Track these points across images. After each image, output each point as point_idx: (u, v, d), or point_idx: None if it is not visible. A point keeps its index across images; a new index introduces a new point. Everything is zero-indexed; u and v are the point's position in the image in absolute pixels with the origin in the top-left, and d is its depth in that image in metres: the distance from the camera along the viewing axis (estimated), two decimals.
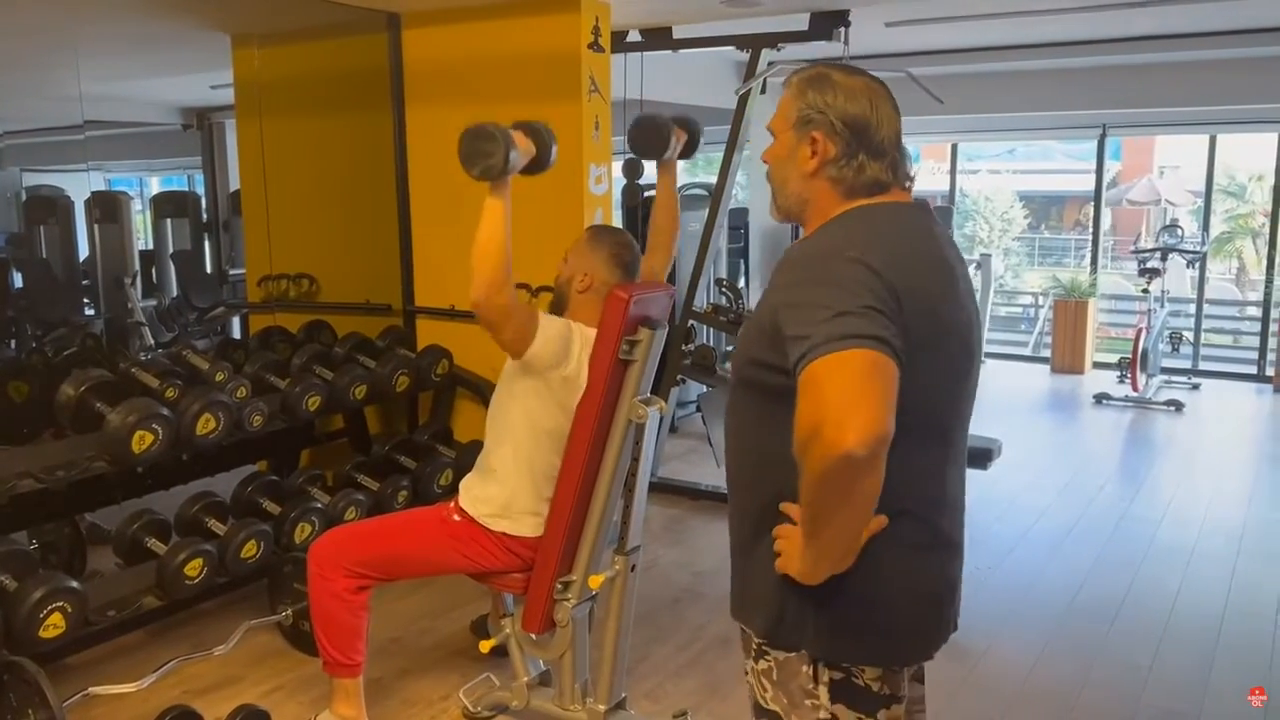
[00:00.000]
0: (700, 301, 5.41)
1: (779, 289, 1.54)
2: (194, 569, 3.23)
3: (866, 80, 1.62)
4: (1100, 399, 7.57)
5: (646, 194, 6.73)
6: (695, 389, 6.00)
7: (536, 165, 2.48)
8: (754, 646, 1.68)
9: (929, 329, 1.50)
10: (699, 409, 5.36)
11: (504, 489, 2.74)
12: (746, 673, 1.72)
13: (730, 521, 1.73)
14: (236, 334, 6.37)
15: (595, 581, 2.65)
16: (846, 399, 1.32)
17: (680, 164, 3.02)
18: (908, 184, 1.65)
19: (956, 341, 1.59)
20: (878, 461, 1.33)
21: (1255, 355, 8.69)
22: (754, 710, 1.71)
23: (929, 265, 1.57)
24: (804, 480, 1.38)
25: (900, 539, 1.55)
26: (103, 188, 6.51)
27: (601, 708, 2.73)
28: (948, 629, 1.68)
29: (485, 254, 2.45)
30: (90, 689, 3.06)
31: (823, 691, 1.61)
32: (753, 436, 1.64)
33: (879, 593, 1.57)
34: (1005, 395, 7.78)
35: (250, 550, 3.40)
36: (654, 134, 2.84)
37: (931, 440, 1.58)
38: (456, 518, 2.76)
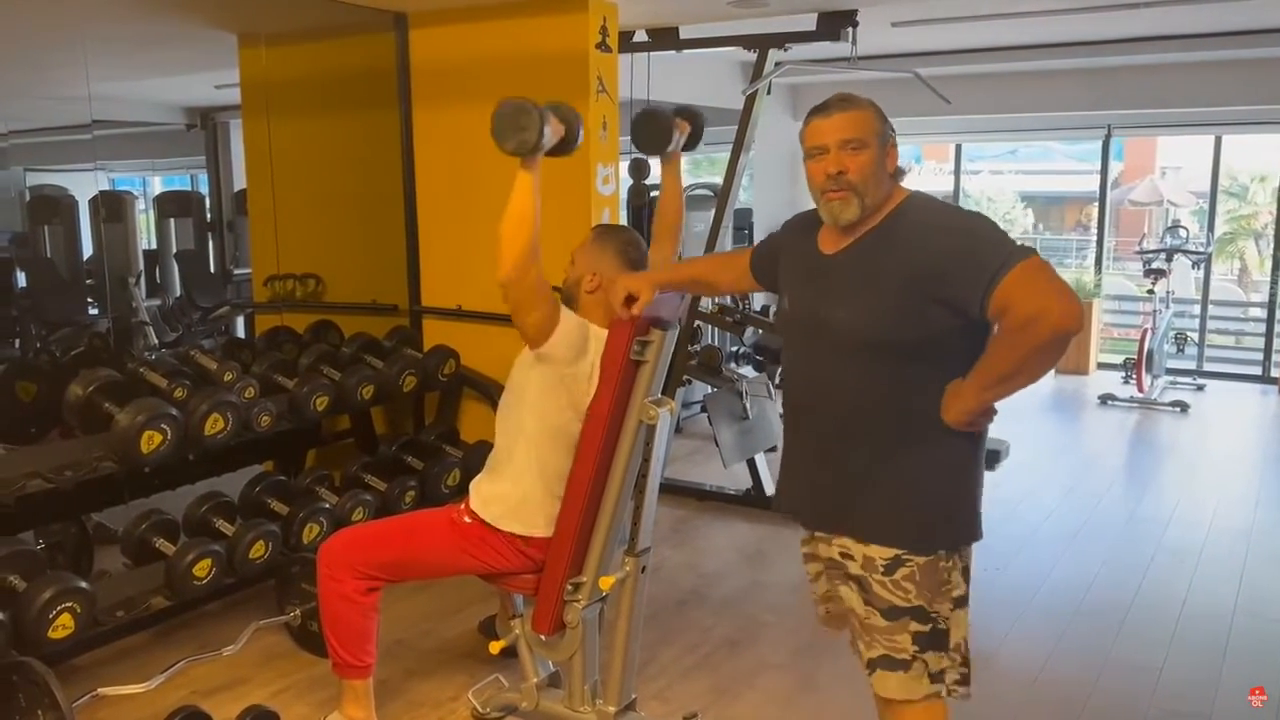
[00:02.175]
0: (706, 303, 5.40)
1: (923, 251, 1.96)
2: (202, 569, 3.23)
3: None
4: (1105, 400, 7.56)
5: (653, 194, 6.73)
6: (701, 390, 5.98)
7: (564, 146, 2.50)
8: (883, 562, 2.06)
9: None
10: (704, 410, 5.35)
11: (516, 488, 2.72)
12: (868, 587, 2.09)
13: (855, 465, 2.09)
14: (240, 334, 6.37)
15: (606, 583, 2.64)
16: (1066, 290, 1.86)
17: (685, 164, 3.02)
18: None
19: None
20: None
21: (1260, 356, 8.67)
22: (888, 614, 2.07)
23: None
24: (1018, 344, 1.88)
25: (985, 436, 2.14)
26: (106, 187, 6.51)
27: (611, 709, 2.72)
28: None
29: (516, 228, 2.43)
30: (99, 689, 3.05)
31: (957, 575, 2.09)
32: (888, 391, 2.03)
33: (981, 479, 2.15)
34: (1010, 396, 7.75)
35: (258, 550, 3.40)
36: (657, 128, 2.85)
37: None
38: (467, 519, 2.75)
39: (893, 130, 2.09)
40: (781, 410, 2.34)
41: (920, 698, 2.10)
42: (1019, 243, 1.93)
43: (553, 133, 2.41)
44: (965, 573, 2.12)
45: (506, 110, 2.38)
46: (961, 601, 2.10)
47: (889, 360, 2.01)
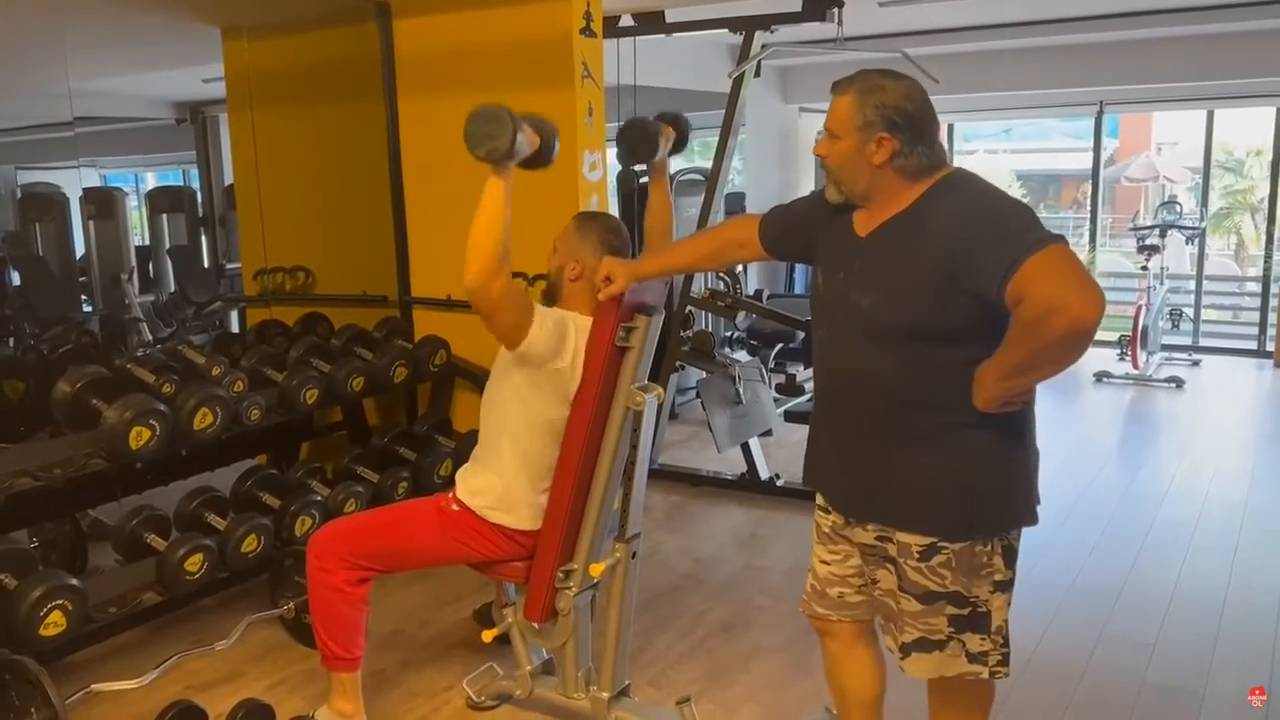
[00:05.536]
0: (698, 287, 5.40)
1: (951, 238, 1.90)
2: (194, 564, 3.23)
3: (911, 82, 2.01)
4: (1101, 377, 7.56)
5: (642, 179, 6.72)
6: (694, 375, 5.99)
7: (538, 158, 2.47)
8: (918, 549, 2.05)
9: None
10: (699, 395, 5.35)
11: (501, 480, 2.72)
12: (902, 572, 2.09)
13: (885, 452, 2.08)
14: (235, 328, 6.37)
15: (596, 569, 2.64)
16: (1087, 282, 1.75)
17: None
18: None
19: None
20: None
21: (1255, 331, 8.67)
22: (924, 598, 2.08)
23: None
24: (1032, 337, 1.78)
25: (1033, 416, 2.09)
26: (97, 184, 6.49)
27: (605, 695, 2.73)
28: None
29: (482, 238, 2.41)
30: (92, 686, 3.05)
31: (998, 559, 2.07)
32: (918, 377, 2.00)
33: (1031, 462, 2.10)
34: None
35: (250, 544, 3.40)
36: (644, 137, 2.78)
37: None
38: (455, 508, 2.75)
39: (881, 116, 1.97)
40: (811, 389, 2.34)
41: (954, 675, 2.12)
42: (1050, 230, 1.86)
43: (526, 142, 2.37)
44: (1009, 555, 2.09)
45: (480, 116, 2.35)
46: (1003, 585, 2.09)
47: (917, 346, 1.99)
